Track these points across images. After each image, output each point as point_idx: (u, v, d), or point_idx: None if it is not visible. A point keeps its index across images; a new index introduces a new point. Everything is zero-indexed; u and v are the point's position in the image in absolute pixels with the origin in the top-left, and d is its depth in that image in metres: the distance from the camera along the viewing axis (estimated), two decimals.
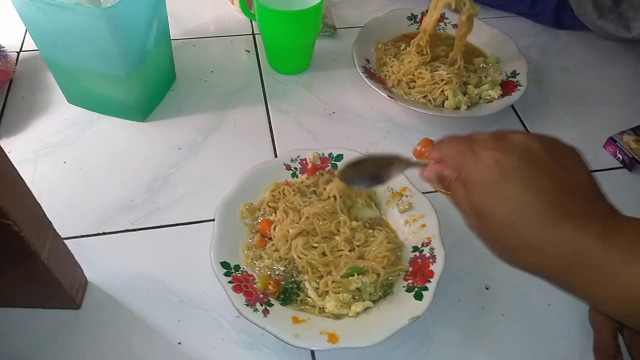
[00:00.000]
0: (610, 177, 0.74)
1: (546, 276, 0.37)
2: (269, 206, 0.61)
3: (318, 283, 0.55)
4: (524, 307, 0.59)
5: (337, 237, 0.58)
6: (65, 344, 0.53)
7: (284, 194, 0.62)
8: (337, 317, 0.53)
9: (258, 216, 0.61)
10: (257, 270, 0.56)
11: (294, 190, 0.62)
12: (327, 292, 0.55)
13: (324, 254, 0.56)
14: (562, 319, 0.58)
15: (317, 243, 0.57)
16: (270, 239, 0.58)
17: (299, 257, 0.55)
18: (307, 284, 0.55)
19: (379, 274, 0.55)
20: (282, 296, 0.54)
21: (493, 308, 0.59)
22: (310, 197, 0.62)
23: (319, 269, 0.55)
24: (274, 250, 0.57)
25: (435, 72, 0.78)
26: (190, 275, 0.59)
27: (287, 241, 0.56)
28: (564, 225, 0.35)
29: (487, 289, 0.60)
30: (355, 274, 0.55)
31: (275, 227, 0.58)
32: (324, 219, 0.59)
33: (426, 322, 0.57)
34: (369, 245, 0.58)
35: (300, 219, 0.58)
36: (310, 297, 0.54)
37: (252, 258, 0.57)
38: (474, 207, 0.39)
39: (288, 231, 0.56)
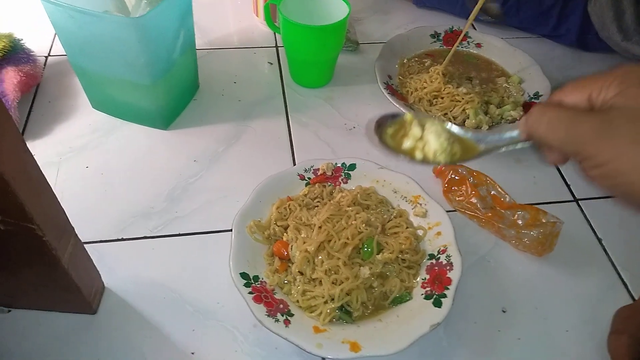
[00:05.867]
0: None
1: None
2: (278, 225, 0.61)
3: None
4: (541, 332, 0.58)
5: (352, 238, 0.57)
6: (80, 349, 0.53)
7: (290, 209, 0.62)
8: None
9: (269, 235, 0.60)
10: (293, 295, 0.56)
11: (299, 205, 0.62)
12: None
13: (345, 263, 0.56)
14: (580, 346, 0.57)
15: (337, 251, 0.56)
16: (289, 259, 0.58)
17: (326, 275, 0.55)
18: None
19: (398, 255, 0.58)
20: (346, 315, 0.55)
21: (509, 331, 0.58)
22: (316, 207, 0.62)
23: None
24: (299, 272, 0.56)
25: (458, 89, 0.78)
26: (207, 285, 0.59)
27: (309, 261, 0.56)
28: None
29: (504, 311, 0.59)
30: (373, 249, 0.57)
31: (292, 247, 0.58)
32: (337, 221, 0.59)
33: (441, 343, 0.56)
34: (390, 228, 0.61)
35: (313, 231, 0.58)
36: None
37: (279, 284, 0.56)
38: None
39: (307, 250, 0.56)
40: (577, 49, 0.98)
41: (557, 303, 0.61)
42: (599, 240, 0.67)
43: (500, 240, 0.66)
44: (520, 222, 0.64)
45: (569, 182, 0.74)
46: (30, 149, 0.41)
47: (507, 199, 0.67)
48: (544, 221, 0.63)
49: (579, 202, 0.72)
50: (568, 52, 0.98)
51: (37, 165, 0.42)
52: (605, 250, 0.66)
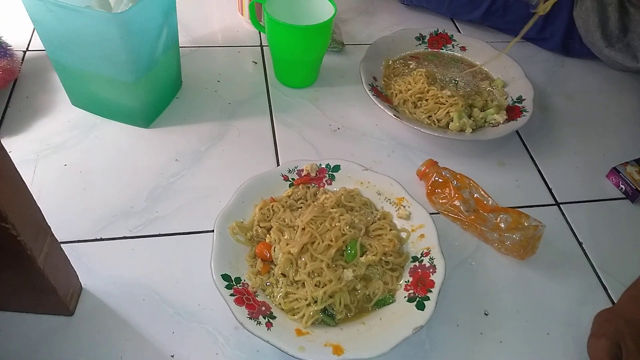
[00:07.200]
0: (612, 207, 0.74)
1: None
2: (261, 226, 0.60)
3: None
4: (523, 335, 0.58)
5: (336, 239, 0.57)
6: (56, 352, 0.52)
7: (273, 210, 0.62)
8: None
9: (251, 236, 0.60)
10: (275, 297, 0.55)
11: (282, 206, 0.62)
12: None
13: (328, 265, 0.55)
14: (560, 349, 0.58)
15: (320, 253, 0.56)
16: (272, 261, 0.57)
17: (309, 277, 0.55)
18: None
19: (382, 257, 0.58)
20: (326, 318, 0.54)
21: (491, 334, 0.58)
22: (300, 209, 0.62)
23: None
24: (281, 274, 0.56)
25: (442, 91, 0.78)
26: (187, 286, 0.58)
27: (292, 263, 0.55)
28: None
29: (486, 314, 0.60)
30: (357, 251, 0.57)
31: (274, 249, 0.57)
32: (320, 222, 0.58)
33: (424, 346, 0.56)
34: (374, 230, 0.61)
35: (297, 233, 0.57)
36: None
37: (261, 286, 0.55)
38: None
39: (290, 252, 0.55)
40: (560, 54, 0.99)
41: (539, 306, 0.61)
42: (580, 243, 0.68)
43: (482, 243, 0.66)
44: (502, 225, 0.65)
45: (550, 186, 0.75)
46: (6, 146, 0.40)
47: (490, 202, 0.68)
48: (526, 224, 0.64)
49: (560, 205, 0.72)
50: (552, 57, 0.99)
51: (13, 163, 0.41)
52: (585, 253, 0.67)
